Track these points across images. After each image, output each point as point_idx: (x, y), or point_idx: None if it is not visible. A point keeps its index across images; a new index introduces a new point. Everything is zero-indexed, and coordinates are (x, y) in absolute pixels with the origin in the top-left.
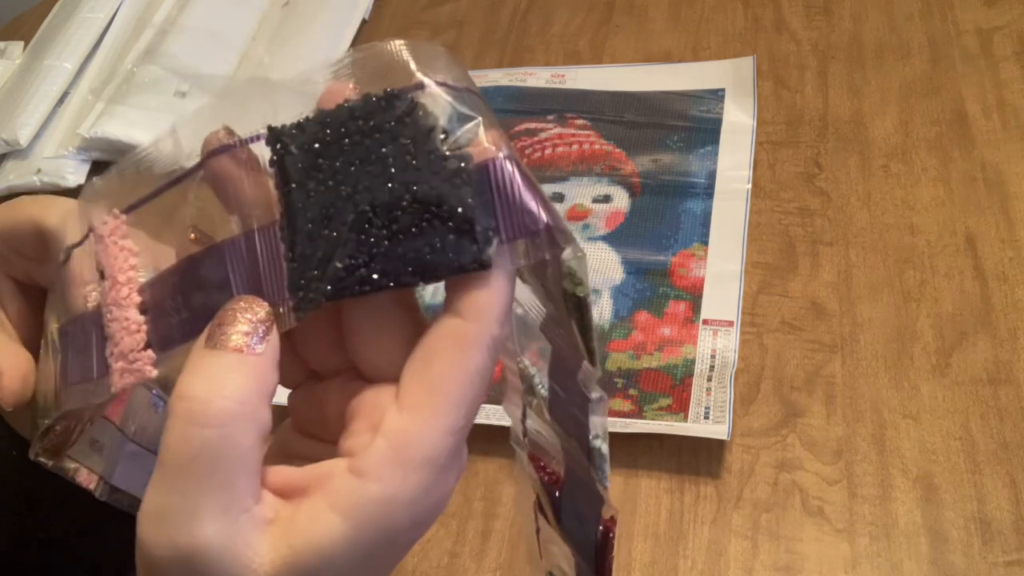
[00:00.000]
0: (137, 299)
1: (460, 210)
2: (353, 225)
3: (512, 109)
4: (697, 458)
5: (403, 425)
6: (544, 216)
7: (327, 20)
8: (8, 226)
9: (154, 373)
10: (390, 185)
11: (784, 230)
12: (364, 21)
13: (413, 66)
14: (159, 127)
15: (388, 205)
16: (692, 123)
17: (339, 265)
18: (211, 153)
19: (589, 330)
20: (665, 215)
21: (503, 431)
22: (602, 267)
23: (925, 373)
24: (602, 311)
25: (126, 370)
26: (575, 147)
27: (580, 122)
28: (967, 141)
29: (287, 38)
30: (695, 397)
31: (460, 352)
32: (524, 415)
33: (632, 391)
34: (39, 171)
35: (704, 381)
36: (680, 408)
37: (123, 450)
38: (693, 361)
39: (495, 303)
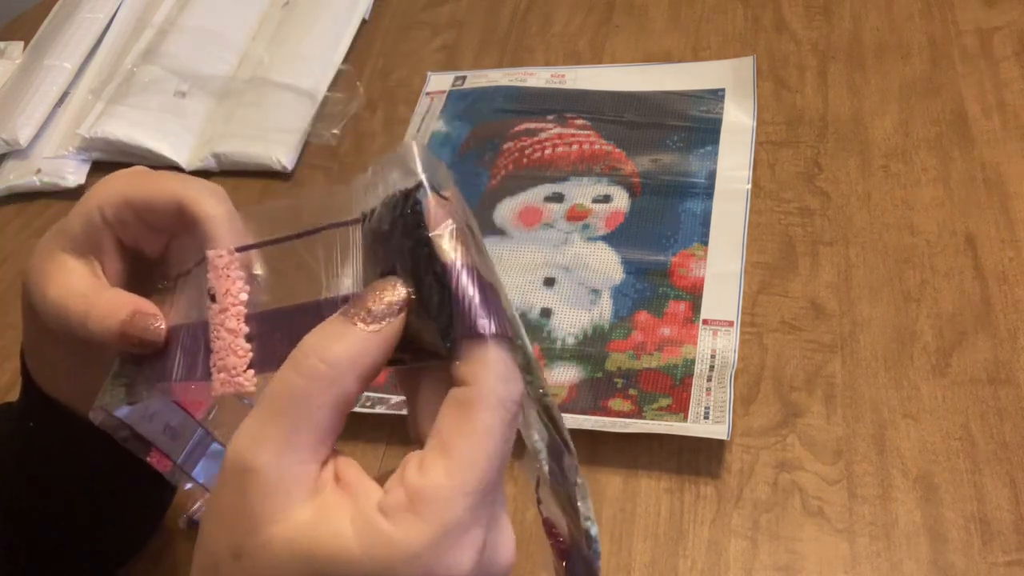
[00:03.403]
0: (245, 329)
1: (430, 308)
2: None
3: (512, 109)
4: (697, 458)
5: (418, 481)
6: (492, 326)
7: (327, 20)
8: (146, 197)
9: (252, 389)
10: (392, 274)
11: (784, 230)
12: (364, 21)
13: (419, 167)
14: (159, 127)
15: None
16: (692, 123)
17: None
18: (331, 225)
19: (556, 425)
20: (665, 215)
21: None
22: (602, 267)
23: (925, 373)
24: (602, 311)
25: (227, 382)
26: (575, 147)
27: (580, 122)
28: (967, 141)
29: (287, 38)
30: (695, 397)
31: (464, 414)
32: (538, 484)
33: (632, 391)
34: (39, 171)
35: (704, 381)
36: (680, 408)
37: (207, 448)
38: (693, 361)
39: (490, 368)
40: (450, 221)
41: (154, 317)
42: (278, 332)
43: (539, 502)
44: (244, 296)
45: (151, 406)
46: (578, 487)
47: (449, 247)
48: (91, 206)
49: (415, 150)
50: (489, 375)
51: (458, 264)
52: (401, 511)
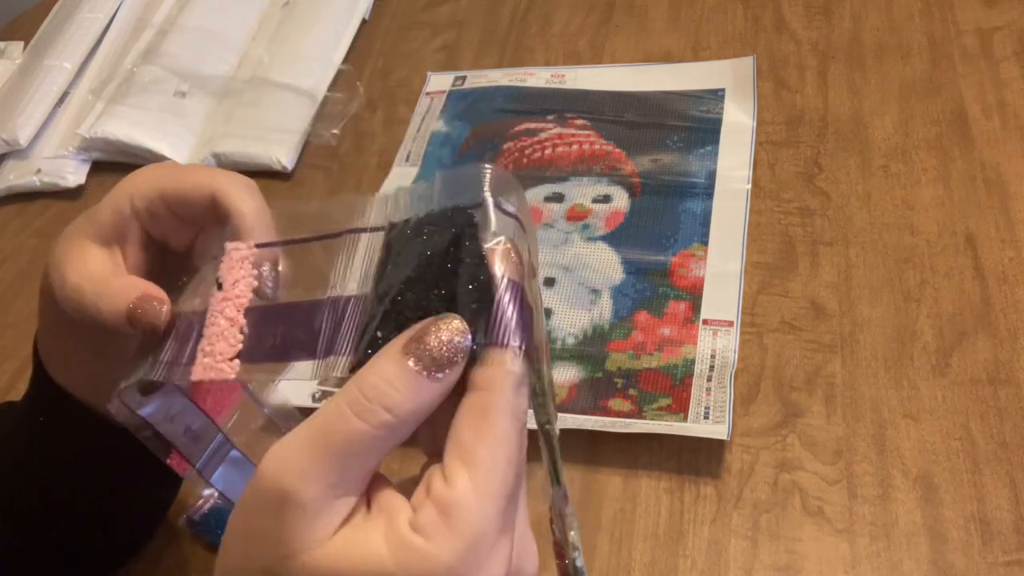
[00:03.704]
0: (242, 320)
1: (464, 312)
2: (393, 303)
3: (512, 109)
4: (697, 458)
5: (445, 493)
6: (519, 341)
7: (327, 20)
8: (180, 189)
9: (232, 376)
10: (427, 279)
11: (784, 230)
12: (364, 21)
13: (485, 187)
14: (159, 127)
15: (420, 293)
16: (692, 123)
17: (379, 335)
18: (350, 230)
19: (552, 455)
20: (665, 215)
21: None
22: (602, 267)
23: (925, 373)
24: (602, 311)
25: (210, 367)
26: (575, 147)
27: (580, 122)
28: (967, 141)
29: (287, 38)
30: (695, 397)
31: (482, 420)
32: (551, 504)
33: (632, 391)
34: (39, 171)
35: (704, 381)
36: (680, 408)
37: (227, 454)
38: (693, 361)
39: (509, 376)
40: (503, 238)
41: (159, 301)
42: (272, 327)
43: (552, 522)
44: (249, 291)
45: (173, 406)
46: (566, 517)
47: (499, 260)
48: (123, 196)
49: (487, 171)
50: (507, 382)
51: (504, 278)
52: (432, 526)
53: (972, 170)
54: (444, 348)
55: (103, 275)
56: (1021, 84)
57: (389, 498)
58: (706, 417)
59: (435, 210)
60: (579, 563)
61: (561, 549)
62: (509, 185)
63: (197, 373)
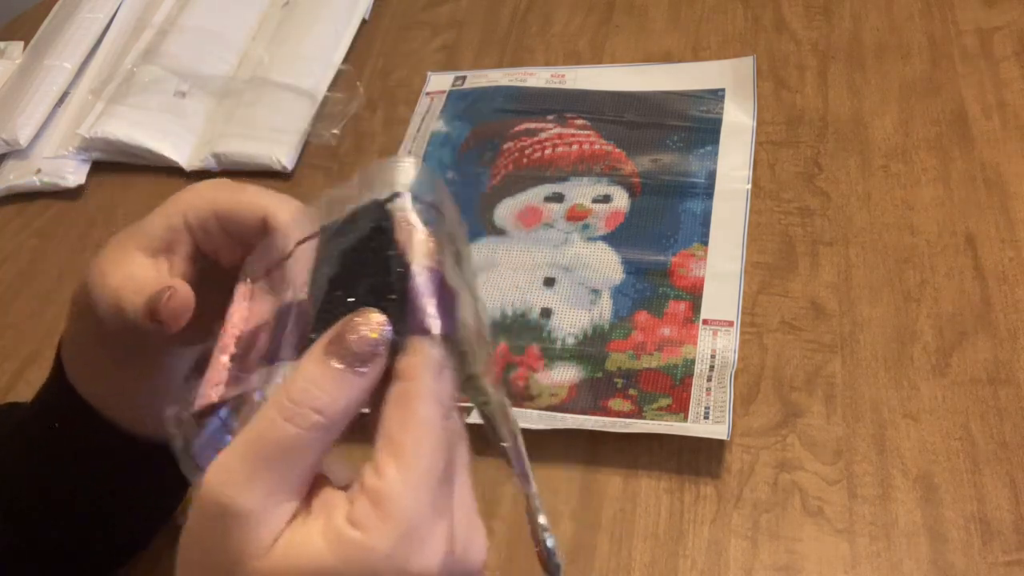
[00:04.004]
0: (233, 349)
1: (386, 304)
2: (323, 304)
3: (512, 109)
4: (697, 458)
5: (375, 484)
6: (438, 326)
7: (327, 20)
8: (233, 208)
9: (202, 404)
10: (350, 276)
11: (784, 230)
12: (364, 21)
13: (398, 180)
14: (159, 127)
15: (345, 291)
16: (692, 123)
17: (312, 337)
18: (299, 242)
19: (496, 434)
20: (665, 215)
21: None
22: (602, 267)
23: (925, 373)
24: (602, 311)
25: (204, 395)
26: (575, 147)
27: (580, 122)
28: (967, 141)
29: (287, 38)
30: (695, 397)
31: (405, 409)
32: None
33: (632, 391)
34: (39, 171)
35: (704, 381)
36: (680, 408)
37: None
38: (693, 361)
39: (428, 363)
40: (421, 227)
41: (174, 292)
42: (249, 349)
43: (542, 530)
44: (242, 325)
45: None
46: (530, 499)
47: (414, 248)
48: (177, 210)
49: (400, 164)
50: (426, 369)
51: (418, 266)
52: (367, 517)
53: (972, 170)
54: (364, 343)
55: (146, 279)
56: (1021, 84)
57: (328, 496)
58: (706, 417)
59: (356, 208)
60: (550, 543)
61: (536, 535)
62: (425, 175)
63: (196, 404)
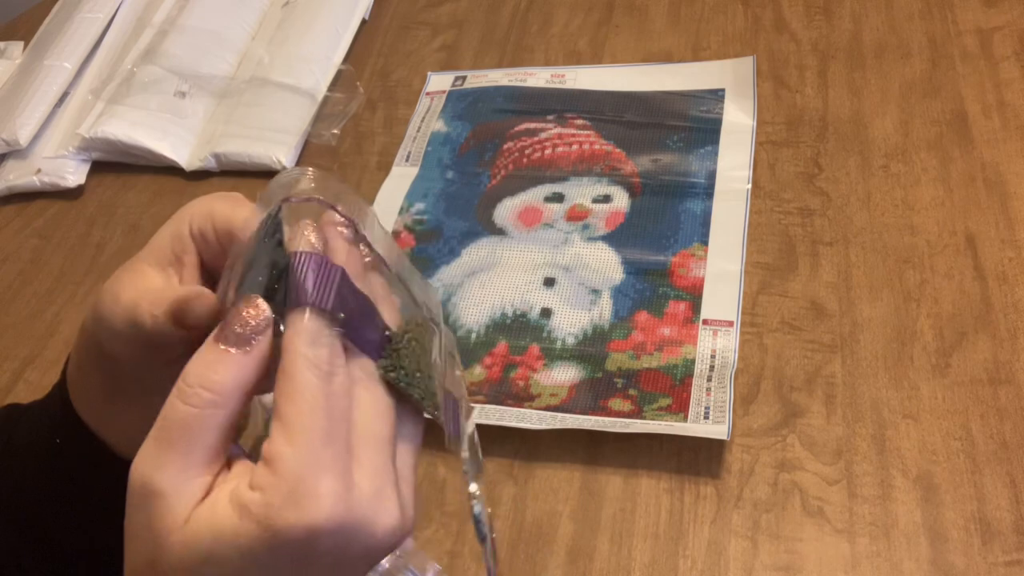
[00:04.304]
0: None
1: (276, 294)
2: (232, 305)
3: (512, 109)
4: (697, 458)
5: (267, 449)
6: (311, 298)
7: (327, 20)
8: (229, 221)
9: None
10: (252, 276)
11: (784, 230)
12: (364, 21)
13: (291, 188)
14: (159, 127)
15: (248, 289)
16: (692, 123)
17: None
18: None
19: (412, 399)
20: (665, 215)
21: (503, 430)
22: (602, 267)
23: (925, 373)
24: (602, 311)
25: None
26: (575, 147)
27: (580, 122)
28: (967, 141)
29: (287, 38)
30: (695, 397)
31: (284, 381)
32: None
33: (632, 391)
34: (39, 171)
35: (704, 381)
36: (680, 408)
37: None
38: (693, 361)
39: (300, 334)
40: (308, 222)
41: (201, 294)
42: None
43: (470, 497)
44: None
45: None
46: (465, 460)
47: (295, 238)
48: (183, 220)
49: (285, 175)
50: (299, 341)
51: (299, 252)
52: (263, 479)
53: (972, 170)
54: (245, 325)
55: (158, 288)
56: (1021, 84)
57: (236, 468)
58: (706, 417)
59: (262, 217)
60: (476, 510)
61: (478, 523)
62: (317, 181)
63: None
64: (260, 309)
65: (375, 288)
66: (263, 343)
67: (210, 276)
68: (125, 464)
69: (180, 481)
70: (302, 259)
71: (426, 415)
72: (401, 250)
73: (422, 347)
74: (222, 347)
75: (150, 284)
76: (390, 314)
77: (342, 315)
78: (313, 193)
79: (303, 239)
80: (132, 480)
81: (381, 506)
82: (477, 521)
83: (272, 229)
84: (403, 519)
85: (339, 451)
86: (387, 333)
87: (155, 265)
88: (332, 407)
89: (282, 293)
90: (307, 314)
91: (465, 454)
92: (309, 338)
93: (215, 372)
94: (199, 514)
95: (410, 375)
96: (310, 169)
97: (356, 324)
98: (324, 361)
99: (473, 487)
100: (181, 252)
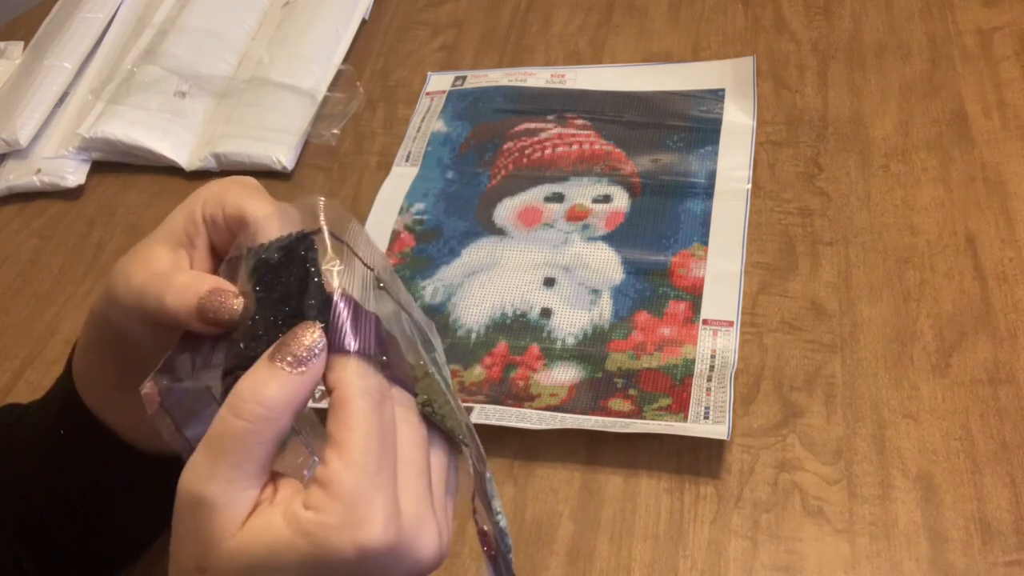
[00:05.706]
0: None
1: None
2: (252, 321)
3: (512, 109)
4: (697, 458)
5: (322, 473)
6: (356, 345)
7: (327, 20)
8: (238, 208)
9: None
10: (276, 298)
11: (784, 230)
12: (364, 21)
13: (321, 217)
14: (159, 127)
15: (272, 311)
16: (692, 123)
17: (241, 346)
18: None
19: (445, 426)
20: (665, 215)
21: (502, 430)
22: (602, 267)
23: (925, 373)
24: (602, 311)
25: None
26: (575, 147)
27: (580, 122)
28: (967, 141)
29: (287, 38)
30: (695, 397)
31: (337, 410)
32: (473, 495)
33: (632, 391)
34: (39, 171)
35: (704, 381)
36: (680, 408)
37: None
38: (693, 361)
39: (349, 370)
40: (337, 261)
41: (232, 295)
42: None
43: (474, 512)
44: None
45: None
46: (488, 480)
47: (335, 279)
48: (196, 203)
49: (321, 203)
50: (349, 375)
51: (336, 295)
52: (317, 499)
53: (972, 170)
54: (302, 348)
55: (167, 271)
56: (1021, 84)
57: (287, 486)
58: (706, 417)
59: (282, 237)
60: (503, 523)
61: (485, 537)
62: (338, 213)
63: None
64: (317, 335)
65: (395, 328)
66: (317, 366)
67: (220, 259)
68: (132, 451)
69: (230, 492)
70: (346, 303)
71: (459, 444)
72: (391, 264)
73: (438, 381)
74: (277, 365)
75: (159, 265)
76: (411, 353)
77: (384, 358)
78: (327, 224)
79: (339, 284)
80: (181, 489)
81: (424, 530)
82: (503, 533)
83: (302, 250)
84: (442, 543)
85: (389, 477)
86: (412, 372)
87: (166, 243)
88: (384, 434)
89: (314, 315)
90: (352, 356)
91: (488, 472)
92: (361, 370)
93: (269, 388)
94: (253, 526)
95: (442, 407)
96: (322, 199)
97: (394, 362)
98: (375, 390)
99: (497, 503)
100: (194, 234)
